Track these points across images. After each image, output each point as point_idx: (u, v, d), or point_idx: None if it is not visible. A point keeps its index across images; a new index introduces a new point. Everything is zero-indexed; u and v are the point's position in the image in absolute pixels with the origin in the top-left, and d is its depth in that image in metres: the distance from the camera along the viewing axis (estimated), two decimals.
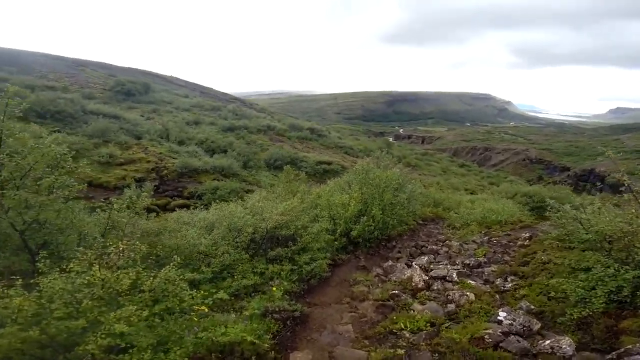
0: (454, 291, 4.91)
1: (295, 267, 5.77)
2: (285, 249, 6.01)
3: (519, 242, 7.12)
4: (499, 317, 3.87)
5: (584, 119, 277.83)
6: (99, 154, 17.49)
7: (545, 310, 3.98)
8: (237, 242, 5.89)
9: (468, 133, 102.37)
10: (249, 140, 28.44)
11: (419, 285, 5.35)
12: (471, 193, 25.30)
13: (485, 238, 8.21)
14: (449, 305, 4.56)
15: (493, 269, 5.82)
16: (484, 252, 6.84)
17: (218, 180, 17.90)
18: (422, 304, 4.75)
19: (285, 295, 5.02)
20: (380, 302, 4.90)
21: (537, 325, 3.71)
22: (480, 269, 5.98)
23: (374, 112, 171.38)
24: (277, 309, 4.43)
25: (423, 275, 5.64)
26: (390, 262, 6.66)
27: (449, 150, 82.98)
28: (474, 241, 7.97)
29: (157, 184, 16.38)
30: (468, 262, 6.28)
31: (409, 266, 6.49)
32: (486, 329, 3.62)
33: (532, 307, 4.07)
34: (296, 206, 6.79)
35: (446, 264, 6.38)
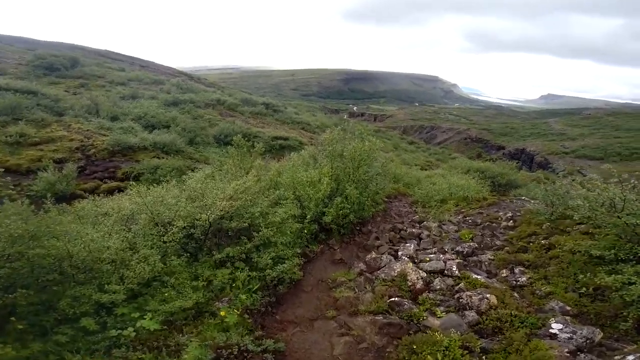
0: (467, 293, 3.95)
1: (255, 273, 4.43)
2: (238, 247, 4.59)
3: (503, 223, 6.60)
4: (551, 330, 3.05)
5: (518, 103, 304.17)
6: (6, 134, 14.42)
7: (587, 312, 3.30)
8: (165, 242, 4.31)
9: (417, 112, 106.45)
10: (195, 115, 25.90)
11: (418, 285, 4.36)
12: (423, 169, 25.80)
13: (460, 217, 7.71)
14: (467, 313, 3.63)
15: (490, 257, 5.12)
16: (470, 235, 6.18)
17: (159, 158, 15.73)
18: (434, 314, 3.80)
19: (245, 317, 3.76)
20: (379, 316, 3.83)
21: (599, 335, 2.97)
22: (475, 257, 5.24)
23: (330, 90, 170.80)
24: (233, 352, 3.05)
25: (416, 269, 4.72)
26: (373, 254, 5.63)
27: (399, 129, 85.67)
28: (450, 221, 7.37)
29: (82, 164, 13.86)
30: (460, 249, 5.53)
31: (395, 257, 5.56)
32: (548, 350, 2.74)
33: (568, 307, 3.36)
34: (251, 186, 5.25)
35: (435, 252, 5.57)
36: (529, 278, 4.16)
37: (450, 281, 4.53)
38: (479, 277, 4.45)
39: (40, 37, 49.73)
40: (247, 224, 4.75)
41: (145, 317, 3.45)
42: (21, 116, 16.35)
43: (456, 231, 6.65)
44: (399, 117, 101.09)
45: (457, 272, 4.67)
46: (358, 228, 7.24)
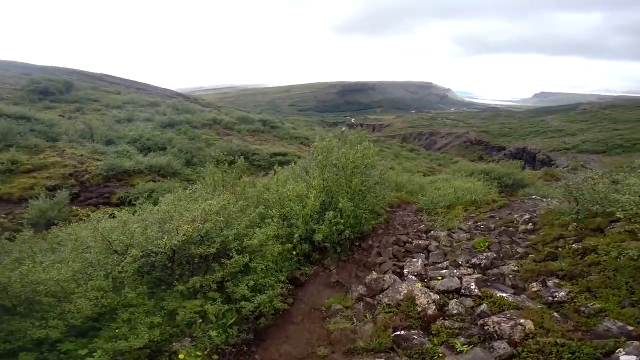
0: (493, 318, 3.12)
1: (231, 305, 3.83)
2: (208, 276, 3.96)
3: (521, 227, 5.97)
4: None
5: (514, 103, 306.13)
6: None
7: None
8: (120, 272, 3.74)
9: (414, 120, 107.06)
10: (192, 136, 25.71)
11: (429, 311, 3.55)
12: (425, 175, 25.36)
13: (471, 223, 7.13)
14: (496, 344, 2.82)
15: (514, 268, 4.35)
16: (485, 243, 5.46)
17: (154, 181, 15.35)
18: (452, 348, 2.95)
19: (214, 359, 3.23)
20: (381, 355, 3.09)
21: None
22: (496, 270, 4.47)
23: (327, 103, 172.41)
24: None
25: (427, 290, 3.97)
26: (374, 274, 4.84)
27: (398, 137, 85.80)
28: (460, 228, 6.75)
29: (76, 191, 13.48)
30: (476, 261, 4.79)
31: (400, 275, 4.83)
32: None
33: (629, 327, 2.63)
34: (225, 205, 4.63)
35: (448, 266, 4.85)
36: (569, 292, 3.39)
37: (469, 302, 3.72)
38: (504, 294, 3.69)
39: (36, 62, 50.64)
40: (214, 249, 4.04)
41: (93, 355, 3.03)
42: (13, 142, 16.06)
43: (468, 239, 5.94)
44: (397, 125, 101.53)
45: (476, 290, 3.86)
46: (357, 244, 6.56)
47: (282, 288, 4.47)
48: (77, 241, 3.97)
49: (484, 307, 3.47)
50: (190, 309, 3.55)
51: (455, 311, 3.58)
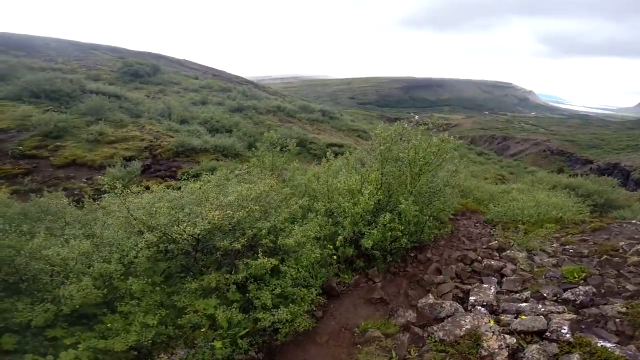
0: None
1: (249, 314, 3.31)
2: (227, 275, 3.43)
3: (632, 258, 4.76)
4: None
5: (609, 112, 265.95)
6: (88, 132, 16.07)
7: None
8: (135, 257, 3.33)
9: (486, 122, 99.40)
10: (256, 121, 26.77)
11: (498, 358, 2.77)
12: (494, 183, 23.05)
13: (556, 245, 5.96)
14: None
15: (620, 309, 3.35)
16: (580, 273, 4.37)
17: (217, 160, 16.17)
18: None
19: None
20: None
21: None
22: (595, 310, 3.48)
23: (389, 98, 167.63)
24: None
25: (498, 329, 3.10)
26: (430, 298, 4.01)
27: (466, 138, 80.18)
28: (543, 250, 5.66)
29: (148, 163, 14.66)
30: (569, 296, 3.79)
31: (463, 303, 3.92)
32: None
33: None
34: (267, 191, 4.13)
35: (528, 298, 3.89)
36: None
37: (553, 349, 2.85)
38: (607, 344, 2.79)
39: (131, 47, 57.01)
40: (240, 245, 3.47)
41: (78, 347, 2.77)
42: (103, 117, 18.05)
43: (554, 265, 4.86)
44: (466, 126, 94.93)
45: (568, 334, 2.94)
46: (412, 254, 5.62)
47: (311, 304, 3.86)
48: (109, 215, 3.89)
49: (575, 359, 2.64)
50: (201, 309, 3.15)
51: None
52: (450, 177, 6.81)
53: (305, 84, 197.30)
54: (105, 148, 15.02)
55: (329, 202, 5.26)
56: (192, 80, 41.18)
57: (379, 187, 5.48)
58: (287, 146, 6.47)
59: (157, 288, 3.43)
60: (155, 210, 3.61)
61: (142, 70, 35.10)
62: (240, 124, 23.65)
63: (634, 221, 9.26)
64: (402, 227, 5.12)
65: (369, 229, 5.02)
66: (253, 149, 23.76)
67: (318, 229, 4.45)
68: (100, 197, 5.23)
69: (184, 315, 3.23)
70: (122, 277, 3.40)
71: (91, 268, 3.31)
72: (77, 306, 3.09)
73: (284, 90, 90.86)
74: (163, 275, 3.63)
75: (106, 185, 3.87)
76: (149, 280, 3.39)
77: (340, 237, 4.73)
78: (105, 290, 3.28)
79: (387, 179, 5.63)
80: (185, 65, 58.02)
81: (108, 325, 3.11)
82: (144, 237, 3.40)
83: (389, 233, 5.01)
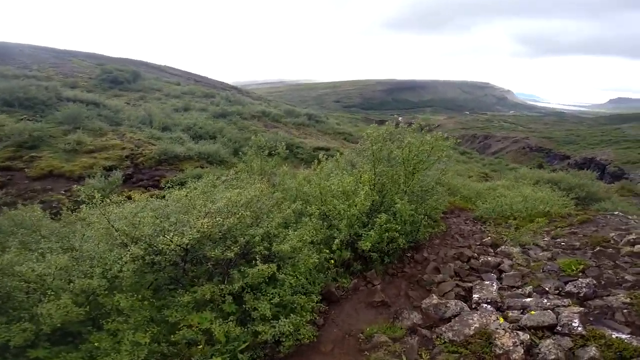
0: None
1: (247, 326, 3.13)
2: (221, 285, 3.21)
3: (625, 249, 4.82)
4: None
5: (584, 109, 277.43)
6: (65, 141, 15.42)
7: None
8: (120, 271, 3.06)
9: (467, 121, 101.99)
10: (241, 126, 26.41)
11: (514, 356, 2.68)
12: (479, 181, 23.49)
13: (548, 239, 6.00)
14: None
15: (625, 300, 3.33)
16: (577, 266, 4.37)
17: (202, 167, 15.79)
18: None
19: None
20: None
21: None
22: (599, 301, 3.44)
23: (373, 101, 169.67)
24: None
25: (508, 325, 3.02)
26: (434, 299, 3.88)
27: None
28: (536, 245, 5.69)
29: (130, 172, 14.16)
30: (572, 289, 3.75)
31: (466, 301, 3.86)
32: None
33: None
34: (257, 196, 3.95)
35: (530, 293, 3.83)
36: None
37: (566, 342, 2.79)
38: (622, 336, 2.73)
39: (111, 54, 55.66)
40: (233, 254, 3.26)
41: None
42: (81, 125, 17.41)
43: (550, 259, 4.86)
44: (448, 126, 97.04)
45: (580, 327, 2.88)
46: (409, 254, 5.54)
47: (311, 312, 3.70)
48: (88, 227, 3.62)
49: (592, 351, 2.58)
50: (196, 323, 2.94)
51: (552, 356, 2.66)
52: (440, 176, 6.80)
53: (290, 88, 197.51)
54: (84, 158, 14.43)
55: (322, 205, 5.09)
56: (174, 86, 40.44)
57: (373, 187, 5.40)
58: (276, 150, 6.29)
59: (146, 302, 3.19)
60: (139, 221, 3.38)
61: (121, 77, 34.34)
62: (224, 129, 23.29)
63: (616, 212, 9.56)
64: (399, 227, 5.03)
65: (365, 231, 4.91)
66: (240, 154, 23.47)
67: (314, 232, 4.28)
68: (79, 208, 4.92)
69: (177, 332, 3.01)
70: (107, 293, 3.17)
71: (71, 284, 3.06)
72: (59, 325, 2.86)
73: (269, 95, 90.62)
74: (151, 288, 3.38)
75: (83, 196, 3.62)
76: (138, 295, 3.15)
77: (337, 241, 4.58)
78: (88, 307, 3.05)
79: (380, 179, 5.55)
80: (166, 71, 57.07)
81: (95, 344, 2.89)
82: (128, 250, 3.15)
83: (386, 234, 4.91)
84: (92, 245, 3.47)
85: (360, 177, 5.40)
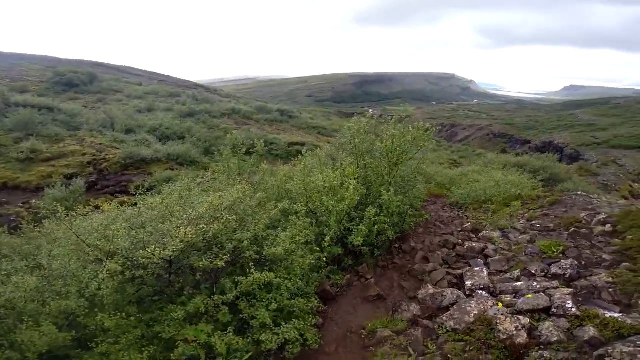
0: (622, 348, 2.29)
1: (247, 336, 2.96)
2: (214, 297, 3.03)
3: (598, 228, 5.05)
4: None
5: (540, 96, 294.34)
6: (18, 150, 14.16)
7: None
8: (99, 289, 2.79)
9: (434, 111, 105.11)
10: (211, 125, 25.56)
11: (519, 339, 2.69)
12: (449, 168, 24.29)
13: (524, 222, 6.21)
14: None
15: (608, 279, 3.44)
16: (557, 247, 4.52)
17: (172, 169, 15.07)
18: None
19: None
20: None
21: None
22: (584, 282, 3.55)
23: (344, 94, 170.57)
24: None
25: (506, 310, 3.06)
26: (430, 289, 3.91)
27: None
28: (514, 228, 5.87)
29: (93, 179, 13.26)
30: (557, 271, 3.85)
31: (460, 288, 3.88)
32: None
33: None
34: (240, 198, 3.72)
35: (519, 276, 3.91)
36: None
37: (563, 324, 2.87)
38: (614, 315, 2.83)
39: (63, 56, 52.05)
40: (223, 262, 3.05)
41: None
42: (34, 132, 16.14)
43: (529, 242, 5.03)
44: (417, 117, 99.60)
45: (574, 308, 2.96)
46: (397, 245, 5.52)
47: (313, 314, 3.58)
48: (54, 242, 3.27)
49: (591, 331, 2.64)
50: (192, 337, 2.74)
51: (554, 338, 2.71)
52: (419, 165, 6.85)
53: (261, 84, 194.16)
54: (40, 167, 13.34)
55: (308, 202, 4.92)
56: (136, 87, 38.57)
57: (358, 180, 5.33)
58: (254, 148, 6.01)
59: (132, 318, 2.95)
60: (112, 234, 3.06)
61: (76, 79, 32.58)
62: (193, 129, 22.47)
63: (579, 192, 10.14)
64: (388, 219, 5.00)
65: (354, 225, 4.84)
66: (214, 153, 22.70)
67: (306, 232, 4.12)
68: (42, 222, 4.46)
69: (175, 348, 2.79)
70: (88, 312, 2.92)
71: (47, 307, 2.80)
72: (44, 351, 2.65)
73: (238, 92, 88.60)
74: (133, 302, 3.11)
75: (44, 210, 3.24)
76: (122, 313, 2.90)
77: (327, 237, 4.43)
78: (73, 331, 2.81)
79: (364, 172, 5.49)
80: (126, 71, 54.24)
81: None
82: (105, 267, 2.85)
83: (375, 227, 4.86)
84: (63, 263, 3.11)
85: (344, 170, 5.29)
